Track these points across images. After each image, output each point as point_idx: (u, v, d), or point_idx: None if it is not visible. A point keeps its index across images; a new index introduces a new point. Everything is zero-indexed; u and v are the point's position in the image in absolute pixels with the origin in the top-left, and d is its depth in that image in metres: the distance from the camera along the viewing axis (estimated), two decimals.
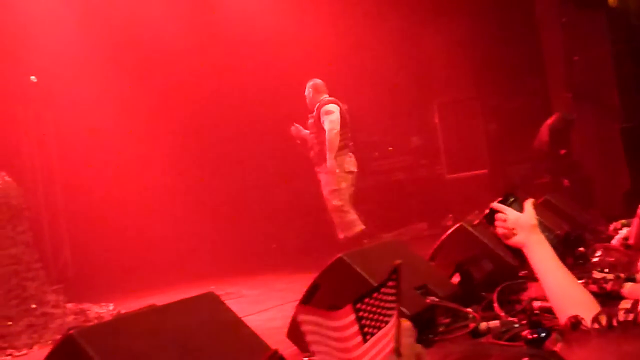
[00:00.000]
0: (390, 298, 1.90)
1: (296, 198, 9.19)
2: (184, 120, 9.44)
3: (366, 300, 1.85)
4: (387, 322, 1.90)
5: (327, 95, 7.01)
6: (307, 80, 7.12)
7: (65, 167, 9.17)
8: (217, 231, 8.89)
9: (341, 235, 6.76)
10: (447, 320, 3.17)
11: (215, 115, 9.25)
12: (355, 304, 1.82)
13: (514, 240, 2.62)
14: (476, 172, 8.48)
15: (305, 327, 1.91)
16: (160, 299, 5.39)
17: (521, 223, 2.60)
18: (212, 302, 2.41)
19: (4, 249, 5.29)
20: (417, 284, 3.28)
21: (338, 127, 6.68)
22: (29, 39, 8.80)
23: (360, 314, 1.85)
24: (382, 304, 1.87)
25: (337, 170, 6.73)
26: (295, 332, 3.22)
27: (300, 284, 5.66)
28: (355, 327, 1.82)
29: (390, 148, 9.20)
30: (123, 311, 5.63)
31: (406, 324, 1.95)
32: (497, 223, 2.65)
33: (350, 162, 6.88)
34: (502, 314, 3.09)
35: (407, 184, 8.81)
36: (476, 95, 8.64)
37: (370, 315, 1.87)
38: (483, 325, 2.92)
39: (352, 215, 6.79)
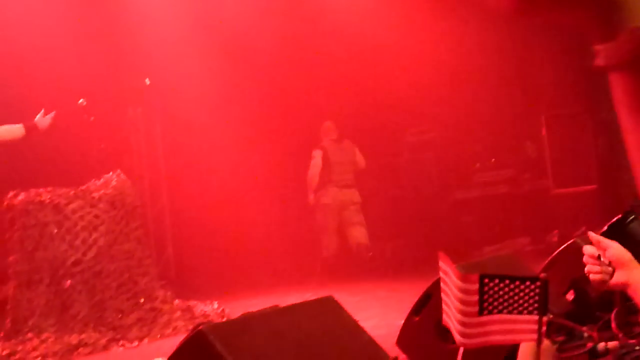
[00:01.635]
0: (522, 297, 1.97)
1: (394, 205, 9.16)
2: (286, 122, 9.56)
3: (496, 280, 1.97)
4: (509, 313, 2.00)
5: (332, 137, 8.44)
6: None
7: (170, 166, 9.44)
8: (315, 234, 8.97)
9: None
10: (561, 338, 3.11)
11: (315, 119, 9.34)
12: (483, 278, 1.96)
13: (615, 281, 2.13)
14: (584, 187, 8.24)
15: (441, 274, 2.18)
16: (264, 300, 5.51)
17: (617, 258, 2.12)
18: (332, 306, 2.45)
19: (119, 245, 5.50)
20: None
21: (314, 171, 8.33)
22: (141, 40, 9.12)
23: (485, 288, 1.99)
24: (510, 294, 1.98)
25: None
26: (405, 340, 3.23)
27: (401, 292, 5.67)
28: (475, 297, 1.95)
29: (493, 160, 9.07)
30: (227, 310, 5.77)
31: (546, 343, 1.96)
32: (588, 266, 2.16)
33: (328, 195, 8.30)
34: (621, 335, 3.01)
35: (510, 197, 8.65)
36: (586, 108, 8.39)
37: (494, 296, 1.99)
38: (601, 345, 2.85)
39: (328, 239, 8.33)
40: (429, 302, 3.19)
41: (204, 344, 2.01)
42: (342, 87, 9.18)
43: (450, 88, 8.42)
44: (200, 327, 2.05)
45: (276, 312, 2.27)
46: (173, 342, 4.41)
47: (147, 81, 9.34)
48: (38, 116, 5.15)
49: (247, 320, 2.25)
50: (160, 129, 9.70)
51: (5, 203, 5.23)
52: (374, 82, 8.92)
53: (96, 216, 5.40)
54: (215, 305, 5.94)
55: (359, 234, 8.32)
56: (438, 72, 8.38)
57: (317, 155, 8.40)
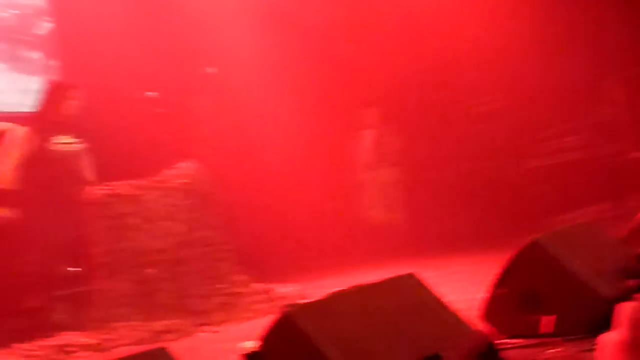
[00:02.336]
0: None
1: (466, 178, 9.06)
2: (354, 98, 9.55)
3: None
4: None
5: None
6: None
7: (239, 153, 9.57)
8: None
9: None
10: None
11: (381, 94, 9.29)
12: None
13: None
14: None
15: None
16: (340, 280, 5.53)
17: None
18: (414, 283, 2.44)
19: (197, 232, 5.61)
20: (615, 266, 3.17)
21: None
22: (207, 30, 9.22)
23: None
24: None
25: None
26: (490, 313, 3.20)
27: (479, 265, 5.60)
28: None
29: (565, 124, 8.85)
30: (305, 292, 5.82)
31: None
32: None
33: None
34: None
35: (586, 163, 8.43)
36: None
37: None
38: None
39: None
40: (512, 273, 3.15)
41: (291, 325, 2.04)
42: (406, 60, 9.09)
43: (518, 54, 8.23)
44: (287, 309, 2.08)
45: (359, 291, 2.28)
46: (254, 325, 4.48)
47: (210, 70, 9.46)
48: None
49: (331, 300, 2.26)
50: (227, 117, 9.83)
51: (86, 197, 5.38)
52: (439, 53, 8.80)
53: (173, 205, 5.51)
54: (294, 288, 6.00)
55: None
56: (505, 38, 8.20)
57: (367, 136, 8.91)
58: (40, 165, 5.66)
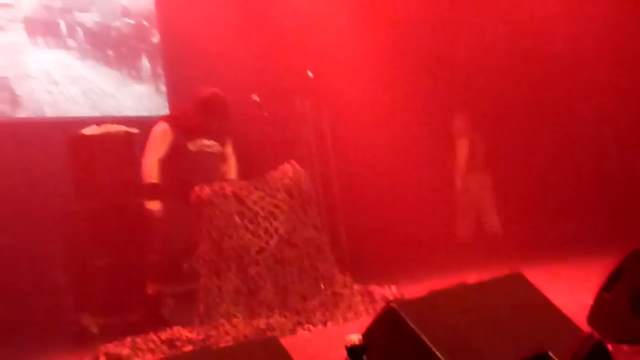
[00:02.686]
0: None
1: (573, 182, 8.83)
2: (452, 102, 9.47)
3: None
4: None
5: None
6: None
7: (341, 156, 9.64)
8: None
9: None
10: None
11: (485, 95, 9.16)
12: None
13: None
14: None
15: None
16: (441, 282, 5.49)
17: None
18: (521, 283, 2.42)
19: (298, 232, 5.70)
20: None
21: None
22: (308, 33, 9.34)
23: None
24: None
25: None
26: (597, 317, 3.12)
27: (587, 269, 5.45)
28: None
29: None
30: (405, 293, 5.82)
31: None
32: None
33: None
34: None
35: None
36: None
37: None
38: None
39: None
40: (621, 278, 3.06)
41: (396, 319, 2.06)
42: (509, 60, 8.93)
43: (628, 52, 7.95)
44: (391, 304, 2.10)
45: (464, 289, 2.28)
46: (355, 325, 4.51)
47: (310, 74, 9.58)
48: None
49: (435, 297, 2.27)
50: (327, 119, 9.93)
51: (193, 197, 5.57)
52: (544, 52, 8.60)
53: (276, 206, 5.62)
54: (394, 289, 6.00)
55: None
56: (614, 34, 7.93)
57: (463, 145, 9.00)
58: (179, 164, 5.96)
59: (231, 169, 6.45)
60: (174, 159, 6.04)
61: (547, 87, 8.77)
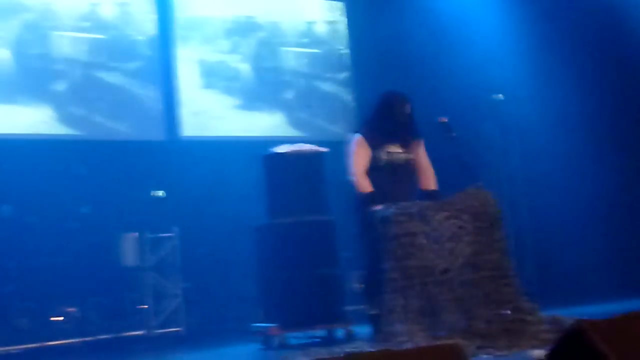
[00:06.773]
0: None
1: None
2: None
3: None
4: None
5: None
6: None
7: (527, 180, 9.48)
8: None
9: None
10: None
11: None
12: None
13: None
14: None
15: None
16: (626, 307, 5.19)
17: None
18: None
19: (483, 255, 5.62)
20: None
21: None
22: (493, 58, 9.31)
23: None
24: None
25: None
26: None
27: None
28: None
29: None
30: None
31: None
32: None
33: None
34: None
35: None
36: None
37: None
38: None
39: None
40: None
41: (583, 339, 2.00)
42: None
43: None
44: (579, 324, 2.04)
45: None
46: (539, 353, 4.37)
47: (501, 96, 9.51)
48: None
49: (627, 319, 2.18)
50: (515, 143, 9.81)
51: (378, 215, 5.66)
52: None
53: (461, 227, 5.59)
54: (578, 317, 5.74)
55: None
56: None
57: None
58: (377, 172, 6.08)
59: (429, 179, 6.35)
60: (372, 168, 6.10)
61: None
